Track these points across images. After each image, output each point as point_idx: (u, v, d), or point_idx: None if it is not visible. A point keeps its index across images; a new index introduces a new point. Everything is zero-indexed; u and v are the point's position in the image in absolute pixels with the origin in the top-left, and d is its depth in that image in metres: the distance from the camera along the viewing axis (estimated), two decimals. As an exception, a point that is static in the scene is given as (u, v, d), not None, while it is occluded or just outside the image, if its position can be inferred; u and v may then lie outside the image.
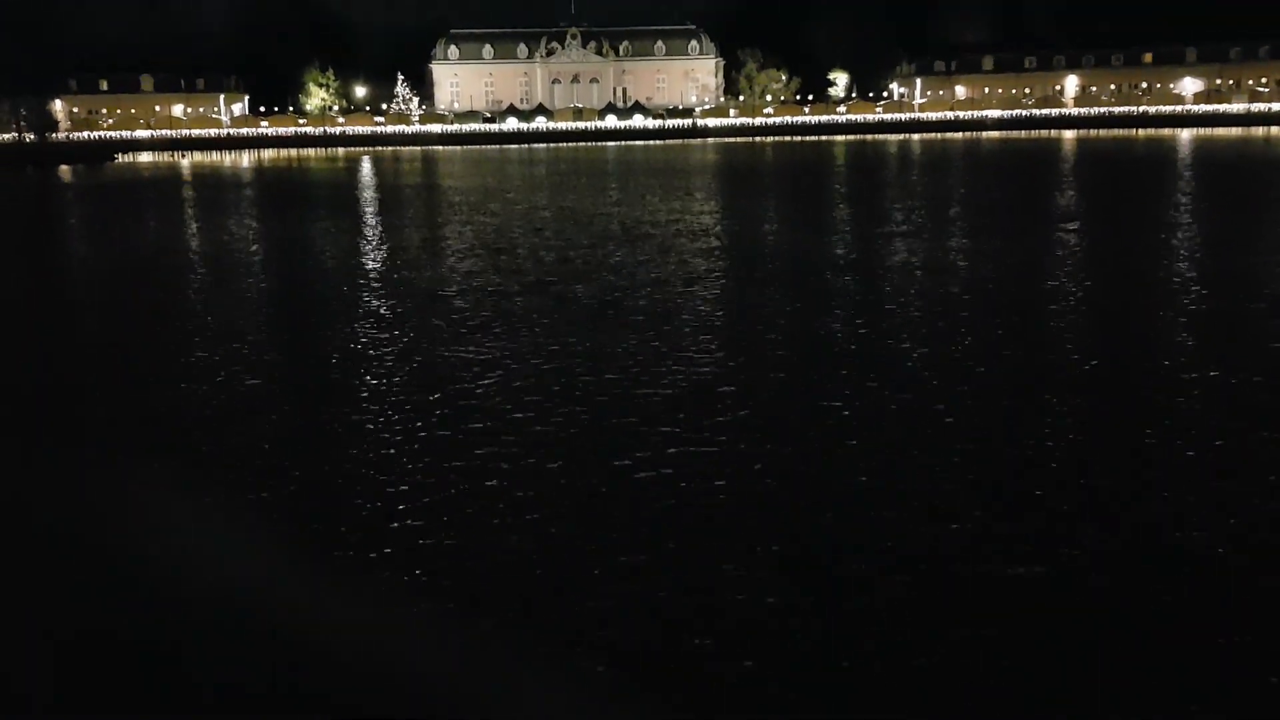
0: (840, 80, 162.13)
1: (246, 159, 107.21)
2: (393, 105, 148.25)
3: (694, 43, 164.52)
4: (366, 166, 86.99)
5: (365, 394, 14.19)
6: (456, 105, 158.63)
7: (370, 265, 27.26)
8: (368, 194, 54.52)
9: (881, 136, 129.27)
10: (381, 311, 20.36)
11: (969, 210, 38.93)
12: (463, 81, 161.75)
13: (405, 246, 30.96)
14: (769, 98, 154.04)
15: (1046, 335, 17.01)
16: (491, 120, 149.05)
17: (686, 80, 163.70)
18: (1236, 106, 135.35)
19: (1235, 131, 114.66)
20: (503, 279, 23.91)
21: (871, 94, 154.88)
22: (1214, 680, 6.81)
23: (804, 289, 22.12)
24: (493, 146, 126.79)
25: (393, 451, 11.63)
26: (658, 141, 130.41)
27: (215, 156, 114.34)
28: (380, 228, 36.87)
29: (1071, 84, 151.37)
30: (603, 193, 50.22)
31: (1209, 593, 7.96)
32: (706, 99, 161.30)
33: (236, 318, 20.28)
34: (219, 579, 6.42)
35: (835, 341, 16.99)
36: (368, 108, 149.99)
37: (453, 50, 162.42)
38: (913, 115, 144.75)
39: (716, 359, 15.78)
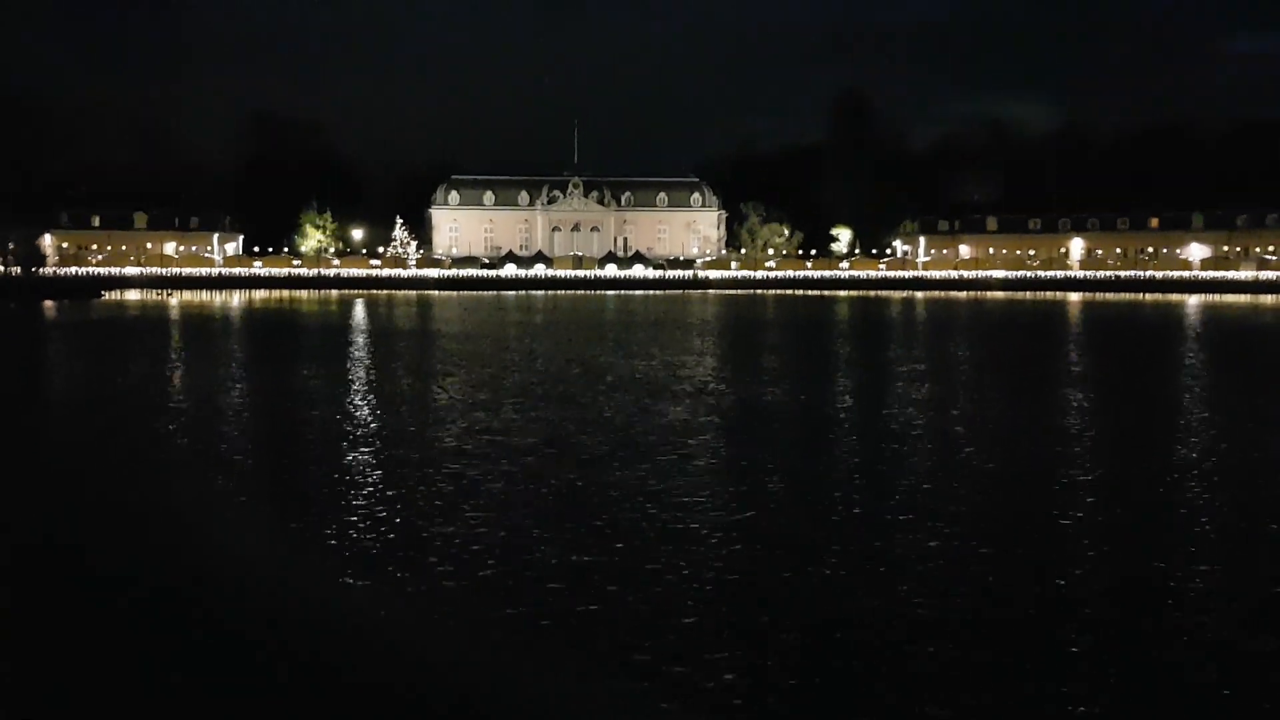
0: (843, 236, 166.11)
1: (237, 299, 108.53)
2: (389, 248, 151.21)
3: (696, 195, 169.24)
4: (360, 309, 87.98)
5: (346, 561, 13.84)
6: (455, 250, 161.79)
7: (358, 417, 27.13)
8: (360, 338, 54.88)
9: (885, 293, 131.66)
10: (366, 470, 20.13)
11: (974, 372, 39.15)
12: (462, 226, 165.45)
13: (396, 396, 30.93)
14: (771, 251, 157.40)
15: (1056, 523, 16.75)
16: (490, 266, 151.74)
17: (688, 231, 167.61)
18: (1244, 273, 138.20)
19: (1244, 298, 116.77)
20: (499, 436, 23.77)
21: (875, 250, 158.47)
22: None
23: (808, 452, 21.99)
24: (490, 292, 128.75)
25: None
26: (658, 292, 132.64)
27: (205, 296, 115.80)
28: (372, 375, 36.93)
29: (1077, 246, 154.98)
30: (603, 344, 50.56)
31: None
32: (708, 251, 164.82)
33: (208, 473, 20.01)
34: None
35: (841, 521, 16.73)
36: (364, 250, 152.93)
37: (453, 195, 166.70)
38: (916, 273, 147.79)
39: (726, 543, 15.50)
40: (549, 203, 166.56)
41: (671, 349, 47.78)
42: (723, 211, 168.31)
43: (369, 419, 26.72)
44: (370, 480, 19.02)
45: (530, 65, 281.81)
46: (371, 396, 31.27)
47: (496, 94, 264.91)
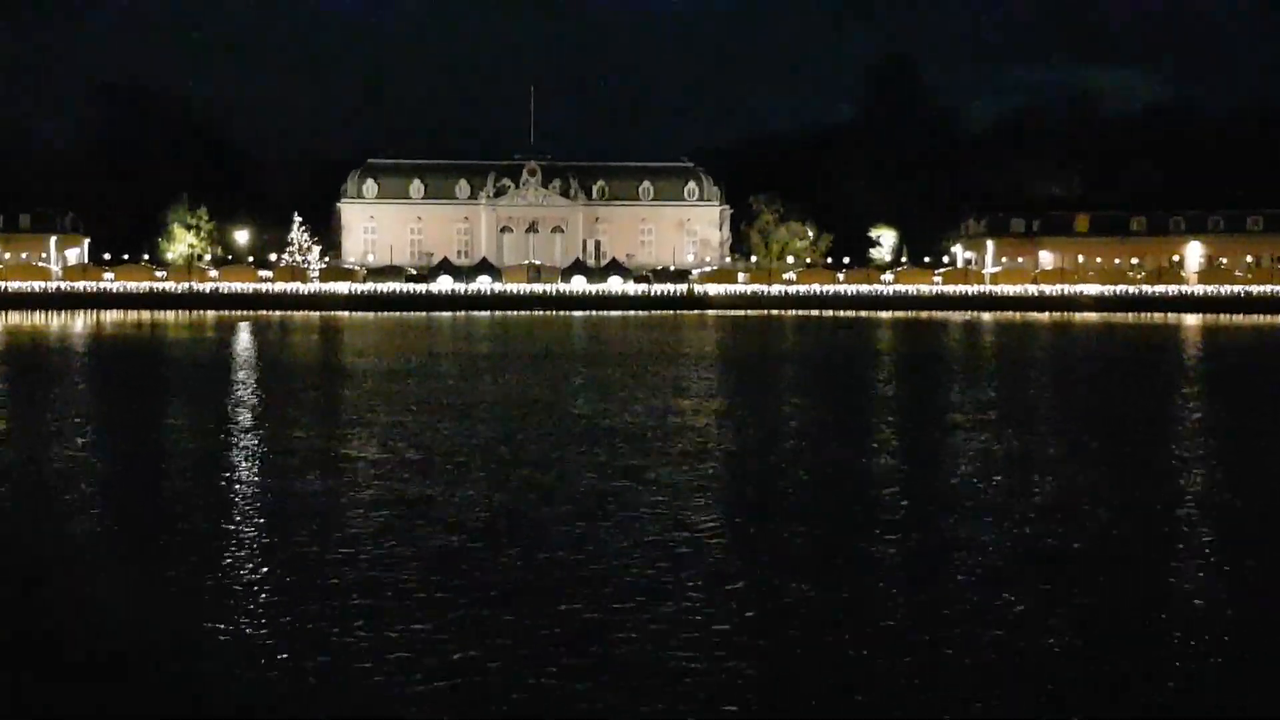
0: (885, 239, 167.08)
1: (82, 322, 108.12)
2: (284, 255, 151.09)
3: (692, 185, 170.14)
4: (245, 337, 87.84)
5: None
6: (372, 257, 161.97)
7: (245, 483, 26.95)
8: (245, 376, 54.71)
9: (941, 314, 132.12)
10: (259, 557, 19.97)
11: (1059, 423, 39.18)
12: (381, 226, 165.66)
13: (295, 455, 30.75)
14: (791, 259, 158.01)
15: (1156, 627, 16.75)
16: (418, 279, 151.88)
17: (681, 233, 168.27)
18: None
19: None
20: (432, 508, 23.65)
21: (927, 258, 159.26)
22: None
23: (840, 532, 21.93)
24: (418, 314, 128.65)
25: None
26: (641, 313, 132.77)
27: (39, 319, 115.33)
28: (262, 427, 36.80)
29: (1194, 253, 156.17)
30: (569, 384, 50.68)
31: None
32: (708, 258, 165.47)
33: (39, 564, 19.83)
34: None
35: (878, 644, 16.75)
36: (251, 259, 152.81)
37: (369, 185, 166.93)
38: (983, 288, 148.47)
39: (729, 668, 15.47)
40: (497, 194, 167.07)
41: (661, 391, 47.73)
42: (726, 207, 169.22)
43: (259, 486, 26.49)
44: (265, 571, 18.83)
45: (478, 32, 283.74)
46: (262, 456, 31.07)
47: (433, 67, 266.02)
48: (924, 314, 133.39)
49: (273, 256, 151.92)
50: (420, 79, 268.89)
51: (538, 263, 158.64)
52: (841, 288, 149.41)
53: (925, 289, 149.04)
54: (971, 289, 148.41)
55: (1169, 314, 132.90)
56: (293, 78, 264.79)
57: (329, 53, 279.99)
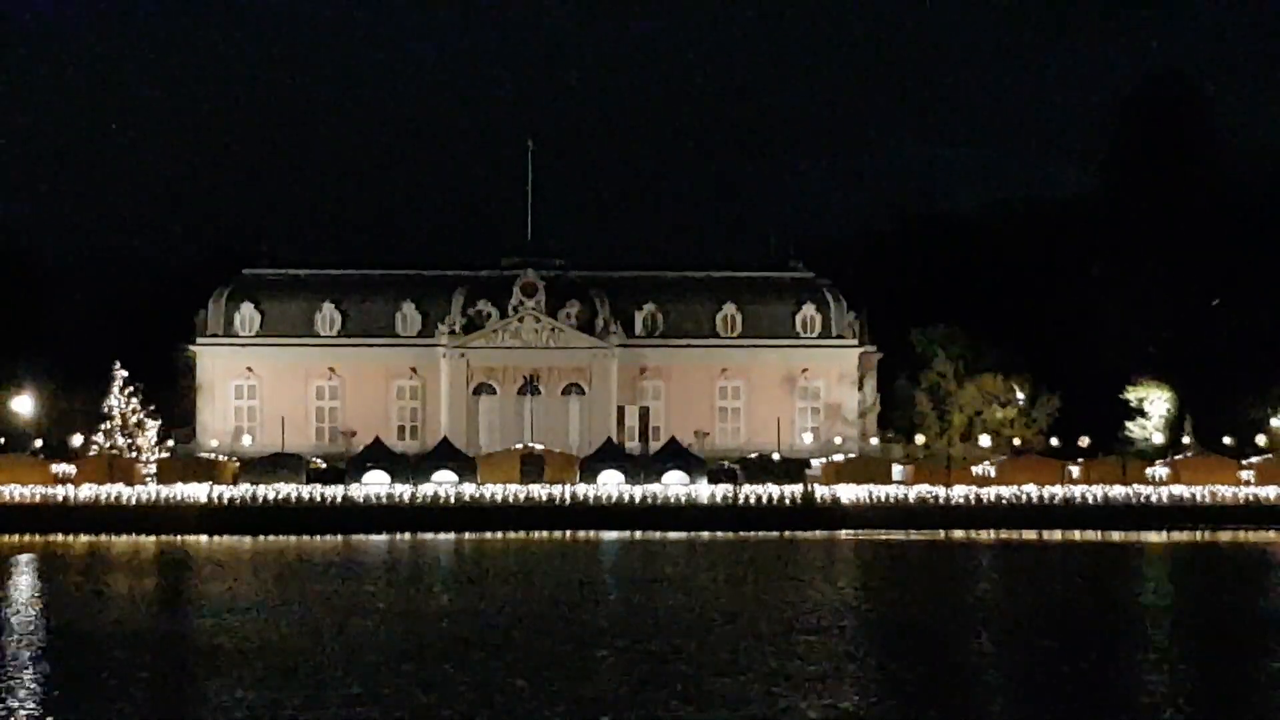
0: (1154, 405, 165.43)
1: None
2: (98, 437, 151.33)
3: (809, 309, 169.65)
4: (25, 582, 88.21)
5: None
6: (249, 439, 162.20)
7: None
8: (19, 659, 54.17)
9: (1254, 535, 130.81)
10: None
11: None
12: (267, 384, 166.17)
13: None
14: (986, 440, 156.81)
15: None
16: (330, 476, 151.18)
17: (792, 394, 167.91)
18: None
19: None
20: None
21: (1228, 438, 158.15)
22: None
23: None
24: (326, 539, 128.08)
25: None
26: (722, 535, 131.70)
27: None
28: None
29: None
30: (603, 671, 50.09)
31: None
32: (840, 436, 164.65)
33: None
34: None
35: None
36: (39, 443, 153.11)
37: (246, 313, 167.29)
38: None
39: None
40: (468, 328, 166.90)
41: (785, 683, 46.78)
42: (872, 348, 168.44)
43: None
44: None
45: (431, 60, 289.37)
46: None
47: (356, 120, 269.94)
48: (1224, 535, 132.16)
49: (77, 439, 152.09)
50: (337, 140, 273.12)
51: (538, 447, 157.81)
52: (1076, 489, 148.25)
53: (1225, 490, 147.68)
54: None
55: None
56: (120, 146, 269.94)
57: (183, 107, 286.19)
